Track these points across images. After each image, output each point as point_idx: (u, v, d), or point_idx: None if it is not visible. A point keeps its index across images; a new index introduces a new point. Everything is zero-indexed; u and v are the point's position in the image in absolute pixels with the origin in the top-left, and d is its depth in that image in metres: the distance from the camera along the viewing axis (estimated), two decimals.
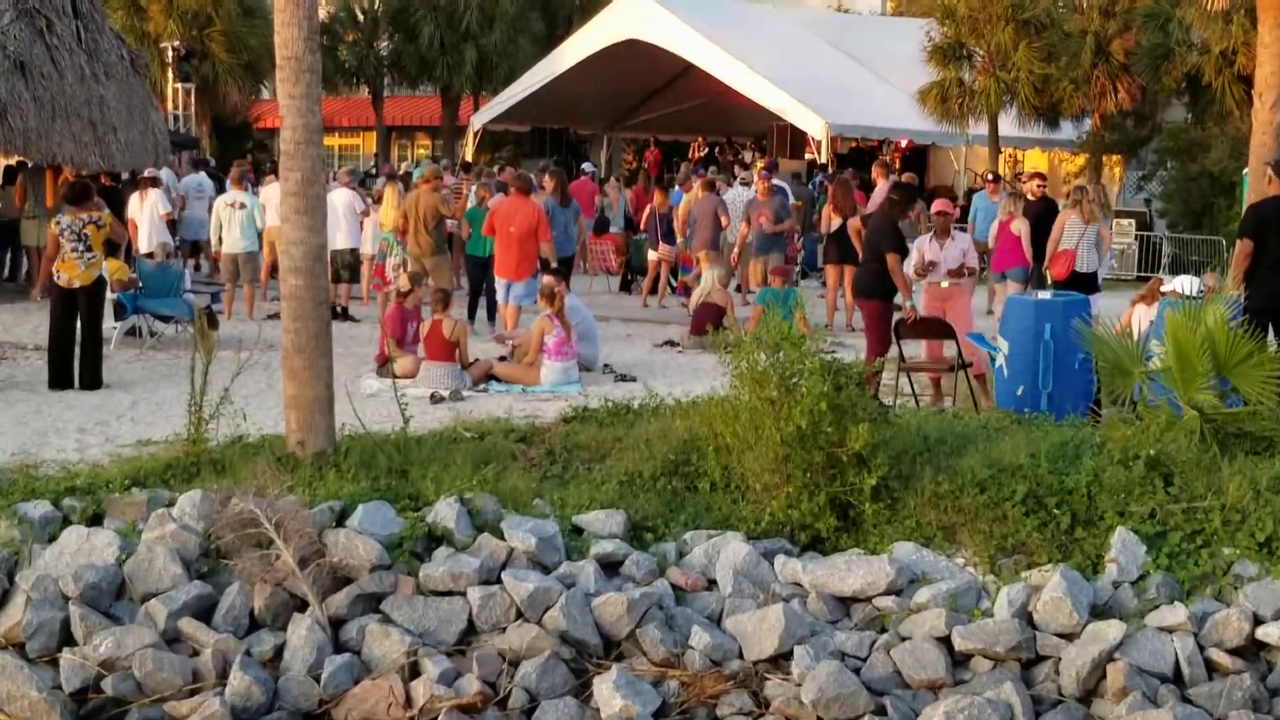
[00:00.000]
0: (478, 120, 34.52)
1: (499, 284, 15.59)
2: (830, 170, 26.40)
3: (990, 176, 21.09)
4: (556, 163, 28.09)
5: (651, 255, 20.08)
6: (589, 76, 31.90)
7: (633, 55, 31.08)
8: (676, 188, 22.03)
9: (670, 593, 8.04)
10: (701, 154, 35.57)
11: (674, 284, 20.89)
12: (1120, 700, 7.34)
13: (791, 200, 20.19)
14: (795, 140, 30.42)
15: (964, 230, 17.28)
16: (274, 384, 11.96)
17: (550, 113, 34.17)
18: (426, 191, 16.37)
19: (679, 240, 19.51)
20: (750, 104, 29.73)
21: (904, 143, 31.69)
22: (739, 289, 20.02)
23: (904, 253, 11.97)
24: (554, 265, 15.12)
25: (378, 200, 18.65)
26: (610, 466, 9.20)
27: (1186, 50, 25.30)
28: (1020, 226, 16.49)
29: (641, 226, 21.14)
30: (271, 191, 17.94)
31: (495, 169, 24.89)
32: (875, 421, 8.57)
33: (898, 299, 12.06)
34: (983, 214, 19.29)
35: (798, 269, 21.59)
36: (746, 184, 20.85)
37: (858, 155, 30.99)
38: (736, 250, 18.86)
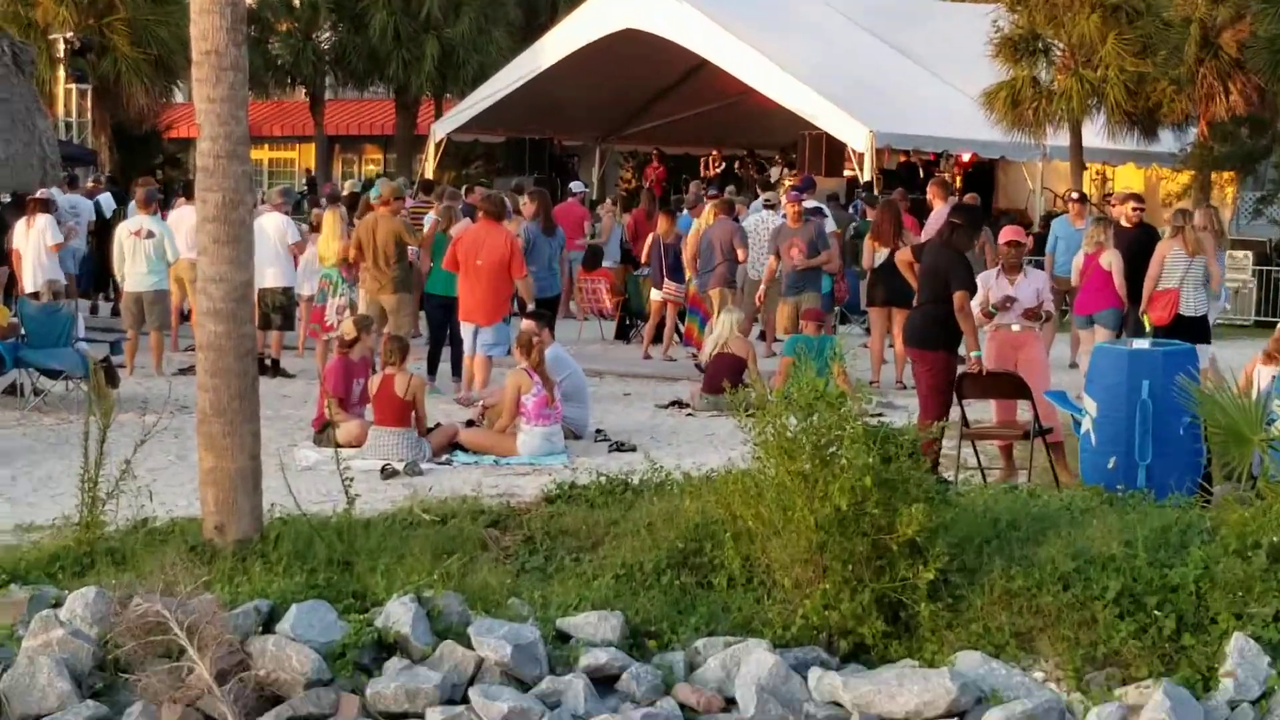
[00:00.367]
0: (440, 129, 34.75)
1: (464, 330, 15.62)
2: (875, 190, 26.52)
3: (1073, 197, 21.17)
4: (538, 181, 28.25)
5: (654, 295, 20.15)
6: (578, 76, 32.11)
7: (632, 49, 31.30)
8: (685, 212, 22.13)
9: (679, 715, 8.00)
10: (717, 170, 35.73)
11: (682, 331, 20.93)
12: None
13: (831, 227, 20.28)
14: (832, 153, 30.58)
15: (1040, 265, 17.35)
16: (187, 455, 11.93)
17: (530, 120, 34.35)
18: (385, 215, 16.46)
19: (688, 277, 19.59)
20: (776, 109, 29.92)
21: (966, 156, 31.83)
22: (762, 337, 20.07)
23: (973, 290, 11.99)
24: (531, 307, 15.17)
25: (316, 228, 18.75)
26: (604, 557, 9.17)
27: None
28: (1111, 260, 16.55)
29: (642, 259, 21.22)
30: (184, 216, 18.02)
31: (463, 189, 24.99)
32: (932, 501, 8.55)
33: (961, 349, 12.07)
34: (1064, 244, 19.36)
35: (836, 313, 21.65)
36: (771, 206, 20.93)
37: (909, 172, 31.14)
38: (762, 289, 18.93)
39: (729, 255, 18.63)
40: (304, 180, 45.70)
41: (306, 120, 44.42)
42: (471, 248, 15.42)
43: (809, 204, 19.85)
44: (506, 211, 16.19)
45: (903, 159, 31.89)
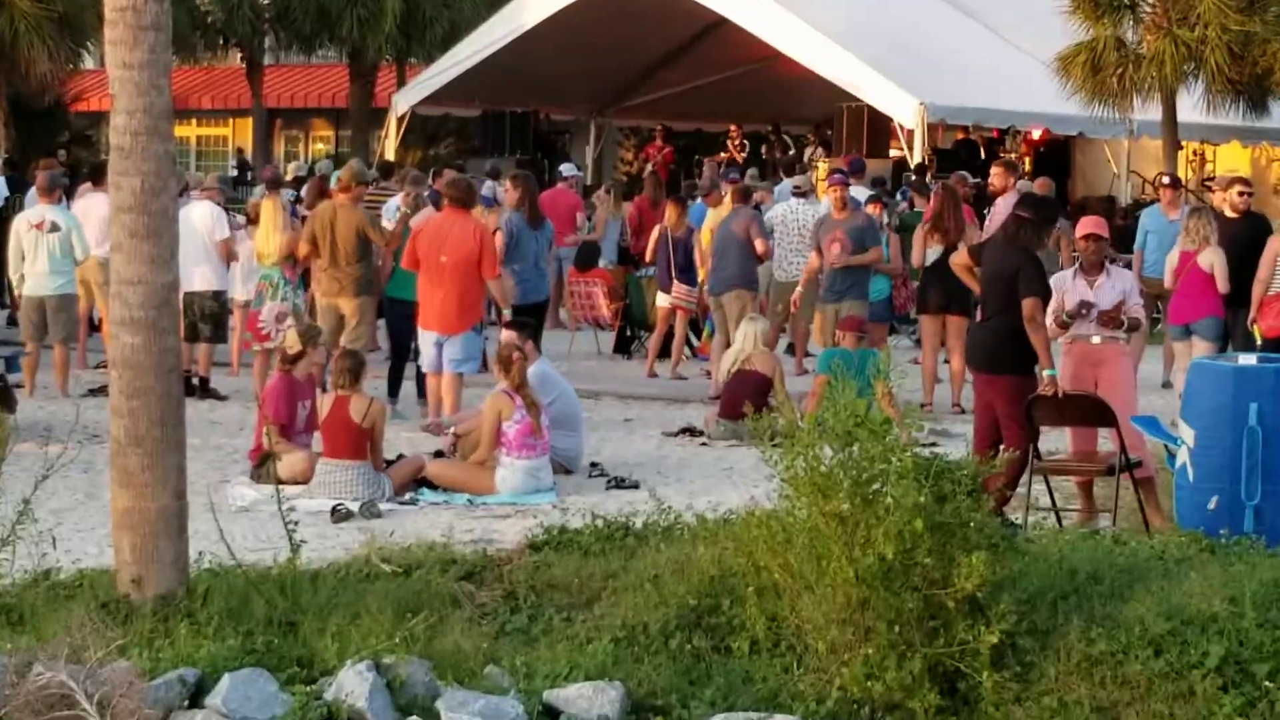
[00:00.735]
0: (404, 100, 34.77)
1: (424, 341, 15.64)
2: (927, 174, 26.53)
3: (1164, 182, 21.15)
4: (521, 164, 28.26)
5: (661, 300, 20.14)
6: (568, 36, 32.11)
7: (634, 5, 31.34)
8: (698, 200, 22.13)
9: None
10: (740, 151, 35.56)
11: (694, 343, 20.95)
12: None
13: (885, 220, 20.26)
14: (875, 129, 30.56)
15: (1128, 265, 17.34)
16: (98, 493, 11.94)
17: (511, 90, 34.39)
18: (346, 205, 16.47)
19: (702, 278, 19.59)
20: (808, 76, 29.95)
21: (1036, 133, 31.86)
22: (791, 351, 20.08)
23: (1046, 296, 11.98)
24: (507, 313, 15.20)
25: (253, 219, 18.76)
26: (600, 616, 9.17)
27: None
28: (1213, 258, 16.54)
29: (646, 257, 21.24)
30: (94, 205, 18.04)
31: (429, 173, 25.01)
32: (997, 549, 8.55)
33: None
34: (1155, 239, 19.35)
35: (898, 323, 21.57)
36: (802, 194, 20.93)
37: (969, 151, 31.17)
38: (798, 291, 18.90)
39: (747, 251, 18.58)
40: (233, 161, 45.83)
41: (242, 90, 44.45)
42: (434, 242, 15.42)
43: (856, 191, 19.81)
44: (476, 198, 16.19)
45: (960, 135, 31.91)
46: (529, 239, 17.24)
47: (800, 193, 21.07)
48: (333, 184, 18.08)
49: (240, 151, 46.54)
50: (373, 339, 16.95)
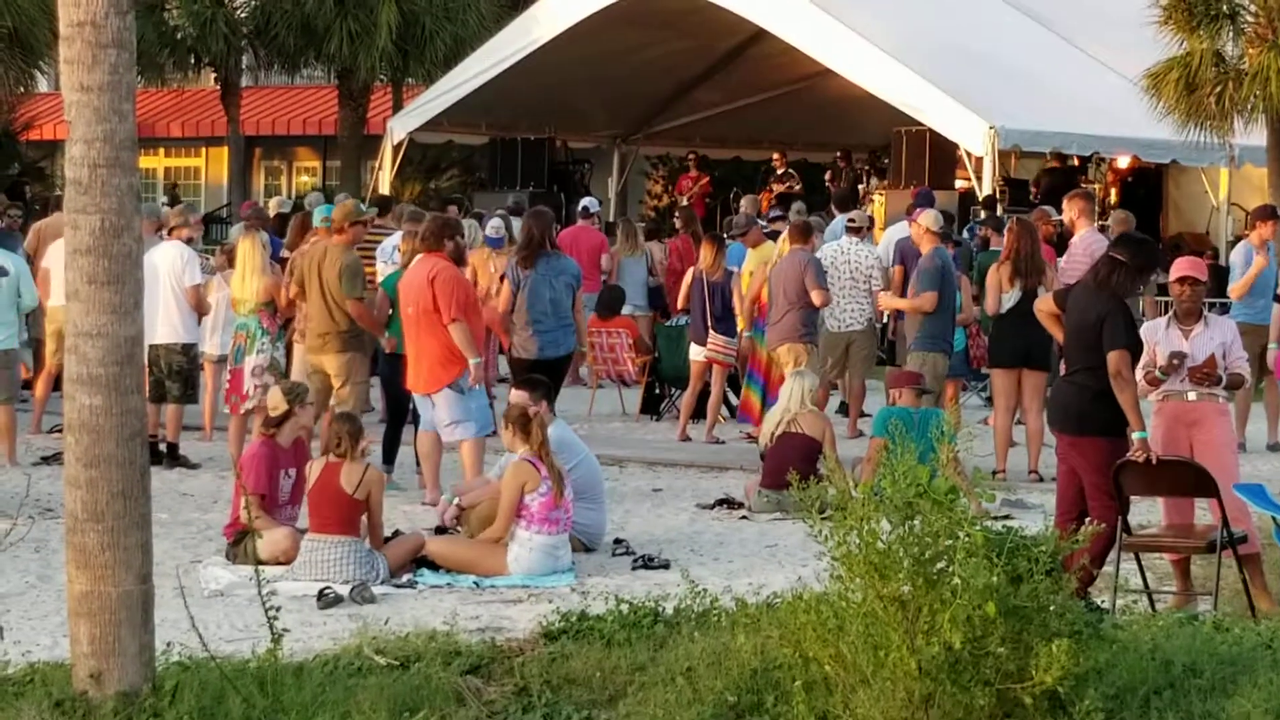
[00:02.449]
0: (400, 126, 34.83)
1: (420, 405, 15.78)
2: (999, 207, 26.51)
3: (1266, 215, 20.95)
4: (535, 198, 28.28)
5: (695, 353, 20.11)
6: (588, 52, 32.24)
7: (663, 17, 31.45)
8: (736, 239, 22.08)
9: None
10: (783, 178, 35.33)
11: (733, 402, 20.91)
12: None
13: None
14: (939, 156, 30.59)
15: (1226, 310, 17.29)
16: (52, 575, 11.94)
17: (523, 114, 34.54)
18: (340, 247, 16.44)
19: (741, 327, 19.54)
20: (863, 96, 29.97)
21: (1124, 161, 31.83)
22: (844, 410, 20.03)
23: (1137, 349, 11.95)
24: (473, 363, 15.17)
25: (230, 262, 18.79)
26: (626, 716, 9.15)
27: None
28: None
29: (679, 303, 21.22)
30: (48, 247, 18.06)
31: (429, 209, 25.05)
32: (1081, 636, 8.52)
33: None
34: (1261, 281, 19.32)
35: (972, 379, 21.48)
36: (857, 230, 20.91)
37: (1065, 180, 31.16)
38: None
39: (801, 299, 18.51)
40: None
41: (217, 115, 44.68)
42: (405, 291, 15.68)
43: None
44: (446, 237, 16.07)
45: (1048, 164, 31.83)
46: (542, 284, 17.16)
47: (855, 228, 21.02)
48: (316, 222, 17.96)
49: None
50: (365, 400, 16.91)
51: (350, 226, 16.68)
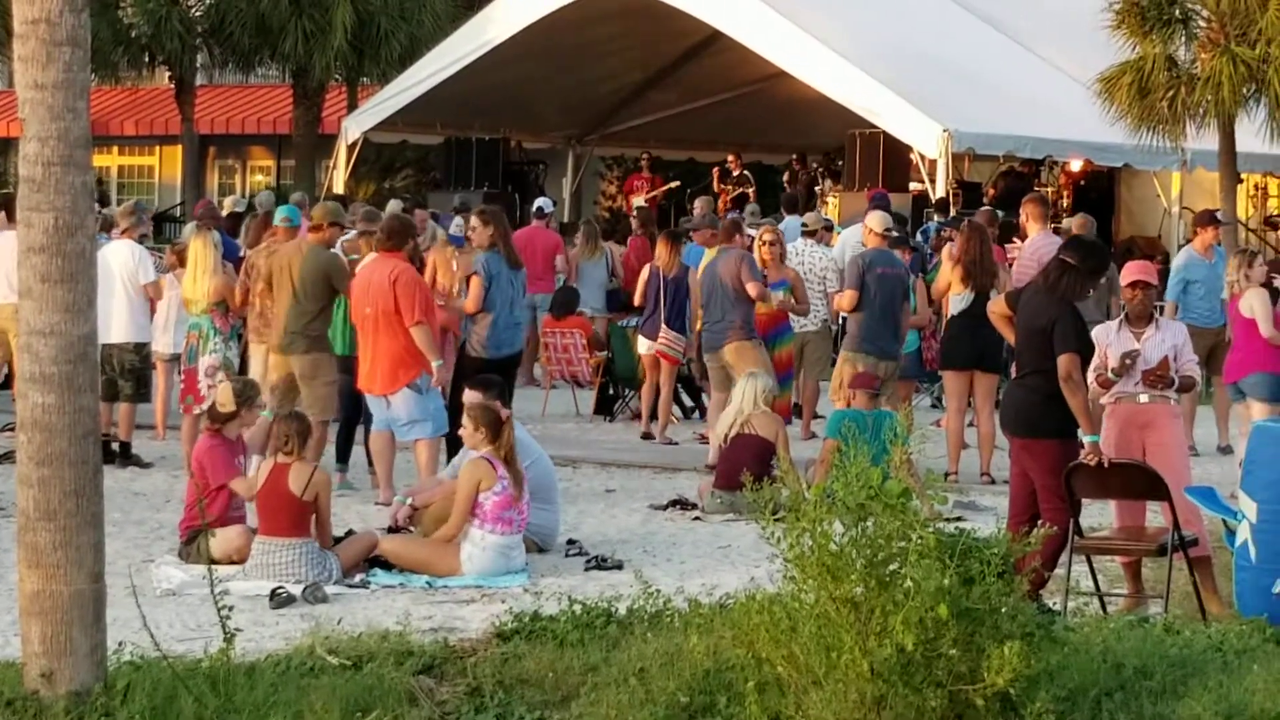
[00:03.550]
0: (355, 126, 34.76)
1: (372, 405, 15.74)
2: (951, 210, 26.57)
3: (1206, 221, 20.89)
4: (490, 197, 28.24)
5: (643, 347, 20.03)
6: (543, 53, 32.21)
7: (619, 17, 31.42)
8: (691, 239, 22.08)
9: None
10: (739, 180, 35.36)
11: (685, 401, 20.91)
12: None
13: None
14: (892, 158, 30.64)
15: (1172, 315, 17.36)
16: (3, 574, 11.90)
17: (478, 114, 34.49)
18: (316, 246, 16.34)
19: (697, 325, 19.57)
20: (817, 98, 29.99)
21: (1077, 164, 31.91)
22: (797, 412, 20.04)
23: (1087, 353, 11.98)
24: (435, 365, 15.14)
25: (180, 261, 18.73)
26: (579, 716, 9.15)
27: None
28: (1253, 301, 16.54)
29: (635, 300, 21.15)
30: (9, 244, 18.01)
31: (385, 209, 24.97)
32: (1032, 638, 8.54)
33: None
34: (1203, 287, 19.37)
35: (924, 381, 21.51)
36: (811, 233, 20.97)
37: (1006, 185, 31.23)
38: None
39: (739, 296, 18.38)
40: (150, 199, 45.29)
41: (171, 114, 44.54)
42: (359, 292, 15.61)
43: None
44: (406, 236, 16.08)
45: (1004, 168, 31.92)
46: (505, 283, 17.14)
47: (809, 232, 21.07)
48: (276, 221, 17.92)
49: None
50: (334, 400, 16.65)
51: (329, 227, 16.65)
